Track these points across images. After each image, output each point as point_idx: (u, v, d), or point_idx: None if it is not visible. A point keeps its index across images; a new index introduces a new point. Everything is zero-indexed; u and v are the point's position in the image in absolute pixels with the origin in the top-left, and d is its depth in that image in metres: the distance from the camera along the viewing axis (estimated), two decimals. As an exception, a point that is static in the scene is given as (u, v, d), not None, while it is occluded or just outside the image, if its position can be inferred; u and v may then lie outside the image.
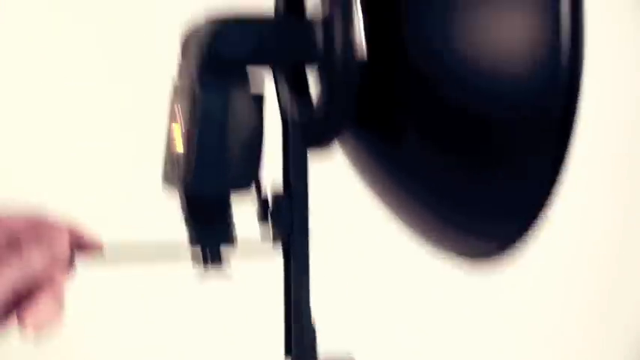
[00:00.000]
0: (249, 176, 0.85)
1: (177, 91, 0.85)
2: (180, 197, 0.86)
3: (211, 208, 0.86)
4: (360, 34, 0.82)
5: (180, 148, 0.84)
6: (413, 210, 0.91)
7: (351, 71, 0.83)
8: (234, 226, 0.86)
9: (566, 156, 0.78)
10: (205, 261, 0.86)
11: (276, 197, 0.89)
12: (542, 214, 0.80)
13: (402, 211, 0.92)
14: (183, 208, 0.86)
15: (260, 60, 0.85)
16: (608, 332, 1.85)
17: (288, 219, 0.89)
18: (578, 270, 1.86)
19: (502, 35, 0.79)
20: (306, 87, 0.91)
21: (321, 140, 0.87)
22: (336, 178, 1.06)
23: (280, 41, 0.84)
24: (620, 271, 1.88)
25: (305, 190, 0.89)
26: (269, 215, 0.89)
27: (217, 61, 0.82)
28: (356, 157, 0.94)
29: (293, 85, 0.91)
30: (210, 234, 0.86)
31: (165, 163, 0.86)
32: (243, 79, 0.84)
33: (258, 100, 0.84)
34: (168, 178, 0.86)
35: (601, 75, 1.73)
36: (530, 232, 0.81)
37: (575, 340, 1.84)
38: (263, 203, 0.88)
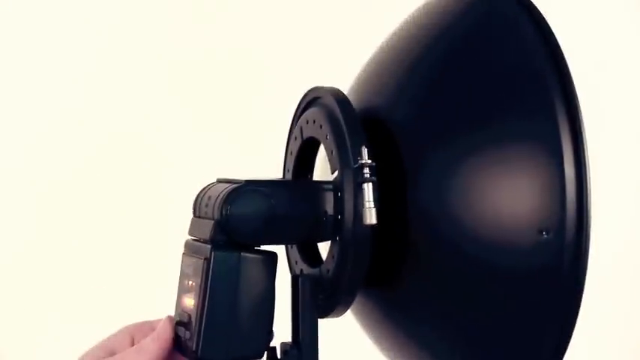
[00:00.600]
0: (259, 345, 0.86)
1: (188, 263, 0.87)
2: None
3: None
4: (371, 199, 0.82)
5: (187, 318, 0.86)
6: None
7: (362, 243, 0.83)
8: None
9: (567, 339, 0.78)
10: None
11: (285, 354, 0.88)
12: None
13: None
14: None
15: (271, 241, 0.87)
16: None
17: None
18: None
19: (505, 211, 0.79)
20: (315, 251, 0.94)
21: (331, 306, 0.88)
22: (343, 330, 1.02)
23: (292, 222, 0.86)
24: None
25: (315, 346, 0.87)
26: None
27: (230, 239, 0.84)
28: (363, 313, 0.93)
29: (302, 247, 0.93)
30: None
31: (176, 333, 0.88)
32: (255, 251, 0.86)
33: (270, 261, 0.85)
34: (179, 345, 0.88)
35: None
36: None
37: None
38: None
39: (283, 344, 0.88)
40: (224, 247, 0.84)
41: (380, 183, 0.82)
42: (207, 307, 0.83)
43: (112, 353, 0.92)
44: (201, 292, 0.84)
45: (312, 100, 0.92)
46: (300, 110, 0.93)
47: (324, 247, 0.94)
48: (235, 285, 0.83)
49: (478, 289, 0.81)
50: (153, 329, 0.93)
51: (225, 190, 0.84)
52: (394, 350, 0.91)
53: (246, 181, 0.85)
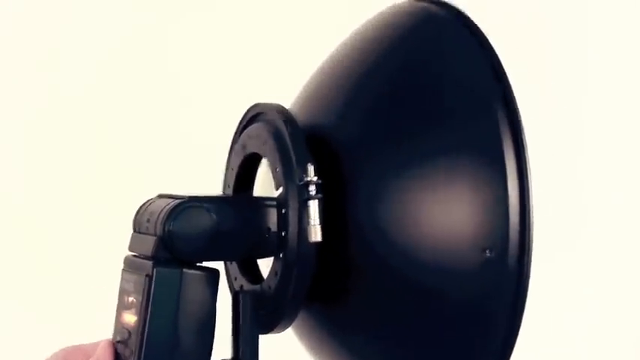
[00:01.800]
0: None
1: (128, 279, 0.86)
2: None
3: None
4: (316, 217, 0.82)
5: (127, 335, 0.84)
6: None
7: (306, 261, 0.83)
8: None
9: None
10: None
11: None
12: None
13: None
14: None
15: (214, 258, 0.86)
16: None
17: None
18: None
19: (447, 230, 0.79)
20: (255, 267, 0.93)
21: (273, 323, 0.87)
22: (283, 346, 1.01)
23: (235, 238, 0.85)
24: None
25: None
26: None
27: (172, 255, 0.83)
28: (304, 330, 0.92)
29: (241, 263, 0.92)
30: None
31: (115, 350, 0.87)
32: (197, 267, 0.84)
33: (212, 278, 0.84)
34: None
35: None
36: None
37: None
38: None
39: None
40: (165, 263, 0.83)
41: (324, 199, 0.82)
42: (148, 325, 0.82)
43: None
44: (142, 309, 0.83)
45: (254, 115, 0.91)
46: (242, 126, 0.93)
47: (263, 263, 0.94)
48: (177, 302, 0.83)
49: (415, 309, 0.81)
50: (85, 354, 0.92)
51: (168, 207, 0.84)
52: None
53: (189, 197, 0.85)
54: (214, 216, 0.84)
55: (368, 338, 0.85)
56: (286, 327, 0.88)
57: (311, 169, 0.82)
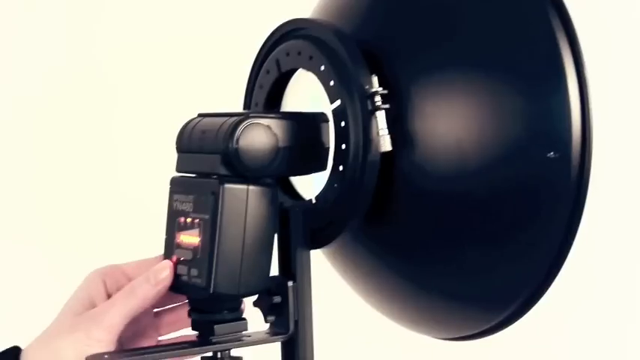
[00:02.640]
0: (266, 276, 0.85)
1: (184, 200, 0.85)
2: (194, 299, 0.87)
3: (226, 306, 0.86)
4: (385, 127, 0.83)
5: (191, 255, 0.84)
6: (405, 301, 0.90)
7: (371, 171, 0.84)
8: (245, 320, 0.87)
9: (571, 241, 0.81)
10: None
11: (279, 286, 0.87)
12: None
13: (392, 302, 0.92)
14: (197, 308, 0.86)
15: (275, 174, 0.86)
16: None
17: (294, 308, 0.87)
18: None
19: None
20: (289, 184, 0.94)
21: (327, 238, 0.88)
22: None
23: (294, 153, 0.85)
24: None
25: (309, 277, 0.88)
26: (274, 306, 0.87)
27: (235, 172, 0.83)
28: (349, 253, 0.92)
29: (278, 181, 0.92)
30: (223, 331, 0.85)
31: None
32: (260, 183, 0.84)
33: (274, 192, 0.85)
34: (177, 284, 0.86)
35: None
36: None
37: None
38: (268, 295, 0.87)
39: (274, 277, 0.87)
40: (231, 180, 0.82)
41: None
42: (219, 241, 0.81)
43: (92, 304, 0.88)
44: (210, 226, 0.82)
45: (286, 32, 0.91)
46: (270, 43, 0.92)
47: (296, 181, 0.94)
48: (244, 218, 0.82)
49: (480, 217, 0.83)
50: (124, 274, 0.90)
51: (227, 124, 0.82)
52: (382, 292, 0.92)
53: (248, 113, 0.84)
54: (275, 132, 0.83)
55: (421, 249, 0.86)
56: (340, 241, 0.88)
57: (375, 80, 0.83)
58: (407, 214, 0.85)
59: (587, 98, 0.80)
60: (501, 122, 0.81)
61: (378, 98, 0.82)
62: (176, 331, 0.92)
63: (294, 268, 0.87)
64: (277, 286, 0.87)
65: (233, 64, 1.04)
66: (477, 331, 0.89)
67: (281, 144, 0.84)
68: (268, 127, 0.83)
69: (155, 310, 0.92)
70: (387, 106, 0.82)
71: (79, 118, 1.72)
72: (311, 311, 0.87)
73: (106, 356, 0.82)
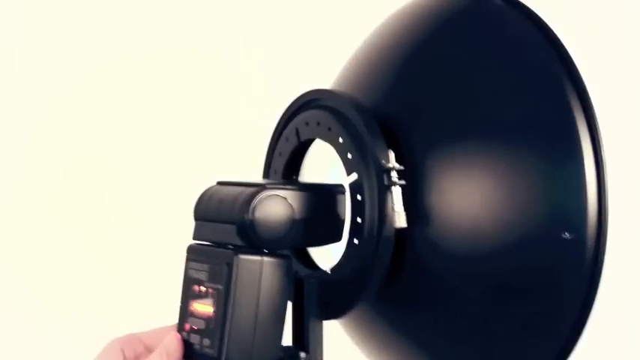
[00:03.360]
0: (277, 349, 0.85)
1: (199, 269, 0.86)
2: None
3: None
4: (400, 203, 0.83)
5: (204, 324, 0.84)
6: None
7: (386, 247, 0.84)
8: None
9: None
10: None
11: (293, 357, 0.87)
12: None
13: None
14: None
15: (289, 245, 0.87)
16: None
17: None
18: None
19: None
20: (306, 253, 0.94)
21: (340, 310, 0.88)
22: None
23: (310, 225, 0.86)
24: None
25: (321, 348, 0.87)
26: None
27: (250, 243, 0.83)
28: (363, 323, 0.92)
29: (294, 250, 0.93)
30: None
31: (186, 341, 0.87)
32: (275, 255, 0.84)
33: (289, 265, 0.85)
34: (190, 354, 0.86)
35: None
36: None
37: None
38: None
39: (286, 348, 0.87)
40: (246, 251, 0.83)
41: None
42: (233, 312, 0.82)
43: None
44: (224, 297, 0.82)
45: (308, 101, 0.91)
46: (291, 112, 0.93)
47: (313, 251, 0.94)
48: (257, 289, 0.82)
49: (492, 297, 0.83)
50: (141, 343, 0.90)
51: (245, 194, 0.83)
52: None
53: (265, 184, 0.84)
54: (291, 204, 0.84)
55: (436, 323, 0.86)
56: (352, 315, 0.88)
57: (392, 155, 0.83)
58: (419, 292, 0.85)
59: (604, 177, 0.80)
60: (519, 201, 0.81)
61: (394, 174, 0.83)
62: None
63: (307, 339, 0.87)
64: (290, 357, 0.87)
65: (257, 131, 1.05)
66: None
67: (297, 216, 0.84)
68: (285, 198, 0.84)
69: None
70: (402, 182, 0.82)
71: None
72: None
73: None
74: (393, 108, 0.88)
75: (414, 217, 0.83)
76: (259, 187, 0.83)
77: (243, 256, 0.82)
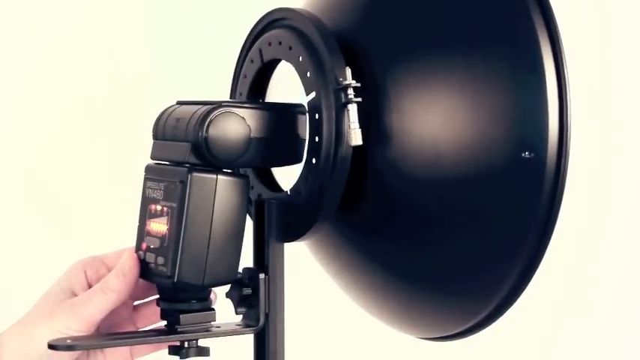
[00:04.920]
0: (233, 268, 0.84)
1: (155, 187, 0.85)
2: (161, 288, 0.86)
3: (193, 296, 0.85)
4: (356, 120, 0.81)
5: (159, 243, 0.83)
6: (385, 294, 0.89)
7: (343, 165, 0.83)
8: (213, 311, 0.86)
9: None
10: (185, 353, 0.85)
11: (251, 279, 0.86)
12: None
13: (372, 295, 0.91)
14: (164, 296, 0.86)
15: (245, 164, 0.85)
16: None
17: (265, 300, 0.86)
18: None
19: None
20: (270, 175, 0.93)
21: (300, 231, 0.87)
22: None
23: (266, 145, 0.84)
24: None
25: (282, 270, 0.86)
26: (245, 298, 0.86)
27: (205, 161, 0.82)
28: (325, 242, 0.92)
29: (258, 172, 0.92)
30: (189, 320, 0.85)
31: (143, 259, 0.86)
32: (230, 173, 0.83)
33: (245, 183, 0.84)
34: (146, 272, 0.85)
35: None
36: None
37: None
38: (239, 286, 0.86)
39: (247, 269, 0.87)
40: (201, 169, 0.82)
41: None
42: (185, 230, 0.81)
43: (73, 293, 0.89)
44: (177, 215, 0.81)
45: (271, 22, 0.90)
46: (255, 33, 0.91)
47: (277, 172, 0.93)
48: (211, 208, 0.82)
49: (450, 211, 0.82)
50: (103, 264, 0.90)
51: (199, 112, 0.82)
52: (358, 280, 0.91)
53: (221, 102, 0.83)
54: (247, 122, 0.83)
55: (398, 244, 0.85)
56: (313, 235, 0.87)
57: (348, 72, 0.81)
58: (380, 212, 0.84)
59: (566, 97, 0.78)
60: (479, 120, 0.80)
61: (350, 91, 0.81)
62: (153, 324, 0.92)
63: (266, 261, 0.86)
64: (249, 278, 0.86)
65: (224, 53, 1.03)
66: (457, 331, 0.87)
67: (254, 134, 0.83)
68: (241, 116, 0.82)
69: (135, 303, 0.93)
70: (359, 99, 0.81)
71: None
72: (283, 304, 0.86)
73: (68, 341, 0.82)
74: (353, 27, 0.87)
75: (373, 137, 0.82)
76: (215, 105, 0.82)
77: (197, 174, 0.81)
